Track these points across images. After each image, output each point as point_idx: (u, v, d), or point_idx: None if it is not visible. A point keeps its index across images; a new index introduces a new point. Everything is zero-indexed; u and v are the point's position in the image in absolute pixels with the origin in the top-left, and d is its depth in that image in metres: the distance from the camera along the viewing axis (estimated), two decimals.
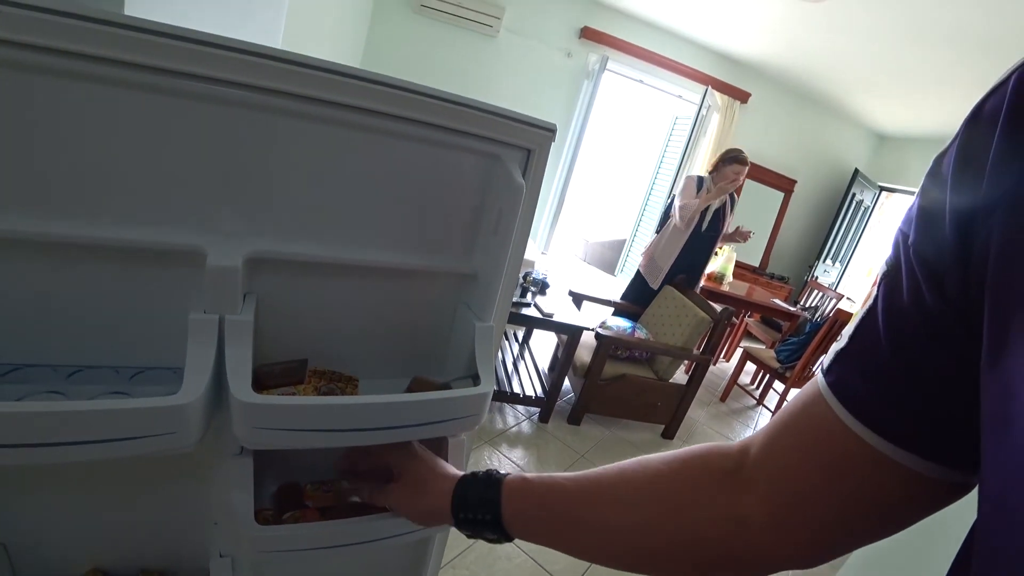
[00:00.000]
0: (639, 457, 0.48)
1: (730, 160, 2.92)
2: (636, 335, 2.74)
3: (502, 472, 0.53)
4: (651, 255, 3.20)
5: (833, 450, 0.34)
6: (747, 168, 2.94)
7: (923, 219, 0.30)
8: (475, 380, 0.61)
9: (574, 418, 2.73)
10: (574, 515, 0.47)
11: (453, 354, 0.69)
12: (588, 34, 4.04)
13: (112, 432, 0.47)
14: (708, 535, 0.41)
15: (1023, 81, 0.25)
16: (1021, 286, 0.22)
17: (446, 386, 0.63)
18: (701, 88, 4.31)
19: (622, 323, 2.80)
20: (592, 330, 2.59)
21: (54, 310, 0.54)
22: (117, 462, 0.67)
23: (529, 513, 0.50)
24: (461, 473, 0.56)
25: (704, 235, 3.08)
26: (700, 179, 3.06)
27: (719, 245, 3.22)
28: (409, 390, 0.65)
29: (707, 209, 3.00)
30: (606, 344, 2.57)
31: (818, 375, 0.36)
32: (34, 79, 0.45)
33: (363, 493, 0.67)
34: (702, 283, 3.36)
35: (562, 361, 2.61)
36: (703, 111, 4.32)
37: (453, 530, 0.58)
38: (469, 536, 0.54)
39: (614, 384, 2.67)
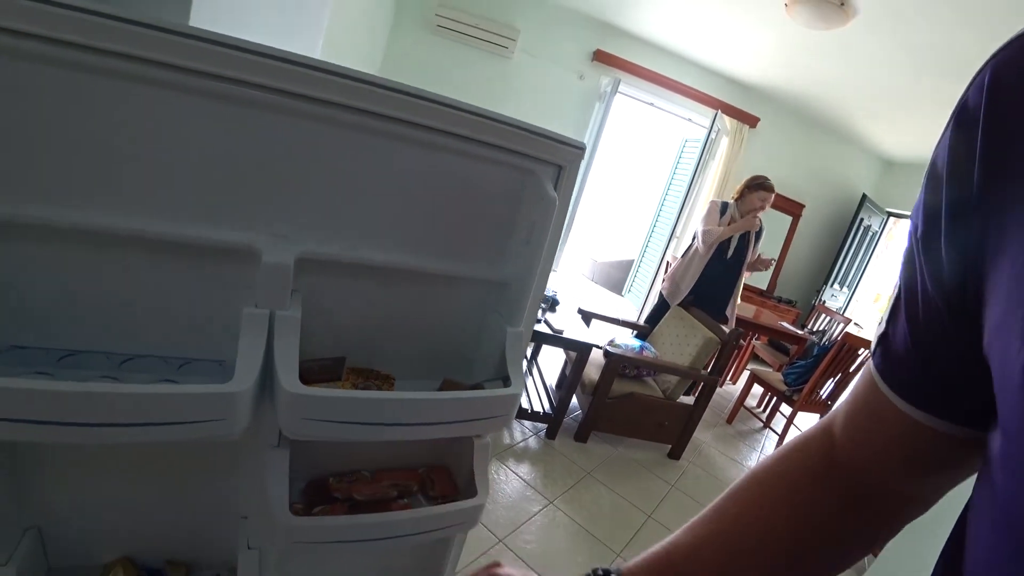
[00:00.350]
0: (736, 493, 0.46)
1: (756, 187, 2.94)
2: (645, 354, 2.75)
3: None
4: (674, 279, 3.21)
5: (882, 418, 0.37)
6: (773, 195, 2.96)
7: (925, 210, 0.32)
8: (505, 382, 0.64)
9: (581, 435, 2.73)
10: None
11: (481, 358, 0.72)
12: (600, 57, 4.12)
13: (167, 416, 0.49)
14: (838, 533, 0.42)
15: (997, 71, 0.27)
16: (1014, 272, 0.24)
17: (479, 387, 0.66)
18: (710, 112, 4.37)
19: (631, 342, 2.82)
20: (601, 348, 2.61)
21: (112, 300, 0.58)
22: (155, 452, 0.70)
23: None
24: None
25: (730, 262, 3.07)
26: (724, 204, 3.08)
27: (745, 273, 3.21)
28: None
29: (732, 235, 3.02)
30: (615, 362, 2.58)
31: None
32: (113, 84, 0.49)
33: None
34: (733, 313, 3.30)
35: (570, 378, 2.62)
36: (712, 134, 4.38)
37: (470, 535, 0.51)
38: None
39: (622, 402, 2.68)
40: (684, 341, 2.84)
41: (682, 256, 3.25)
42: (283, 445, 0.64)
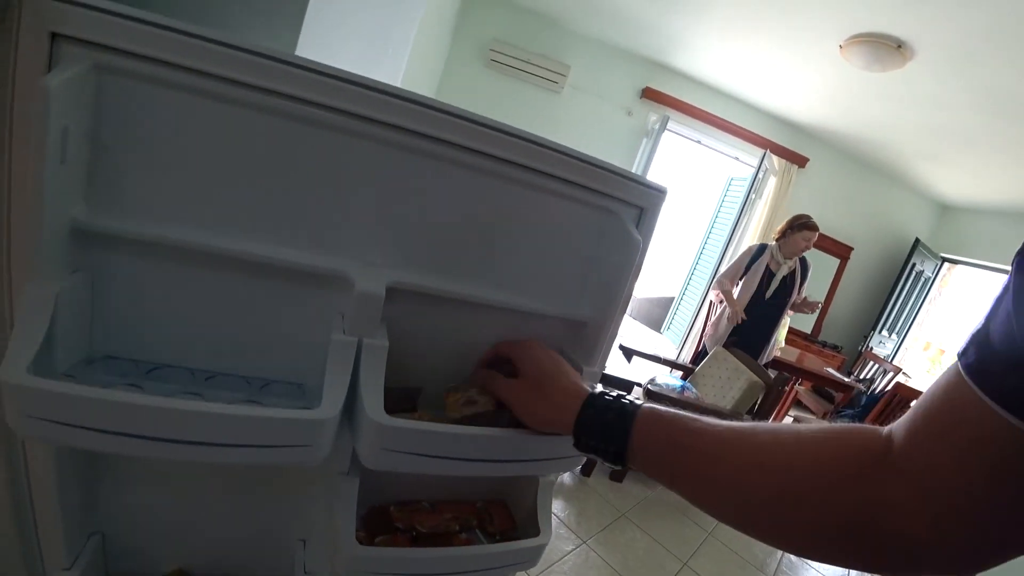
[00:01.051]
0: (774, 424, 0.46)
1: (800, 227, 2.89)
2: (686, 395, 2.69)
3: (631, 400, 0.51)
4: (716, 325, 3.17)
5: (972, 427, 0.33)
6: (816, 234, 2.91)
7: None
8: None
9: (617, 475, 2.67)
10: (707, 472, 0.44)
11: None
12: (649, 94, 4.15)
13: (254, 438, 0.50)
14: (854, 517, 0.38)
15: None
16: None
17: None
18: (758, 151, 4.33)
19: (672, 381, 2.76)
20: (642, 386, 2.56)
21: (203, 318, 0.59)
22: (225, 471, 0.70)
23: (657, 457, 0.48)
24: (587, 389, 0.55)
25: (768, 303, 3.01)
26: (761, 247, 3.03)
27: (787, 313, 3.14)
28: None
29: (773, 276, 2.96)
30: (656, 402, 2.52)
31: (956, 357, 0.35)
32: (224, 108, 0.50)
33: (480, 377, 0.66)
34: (770, 355, 3.23)
35: None
36: (760, 174, 4.33)
37: None
38: (581, 452, 0.54)
39: None
40: (727, 384, 2.76)
41: (720, 303, 3.20)
42: (352, 473, 0.64)
